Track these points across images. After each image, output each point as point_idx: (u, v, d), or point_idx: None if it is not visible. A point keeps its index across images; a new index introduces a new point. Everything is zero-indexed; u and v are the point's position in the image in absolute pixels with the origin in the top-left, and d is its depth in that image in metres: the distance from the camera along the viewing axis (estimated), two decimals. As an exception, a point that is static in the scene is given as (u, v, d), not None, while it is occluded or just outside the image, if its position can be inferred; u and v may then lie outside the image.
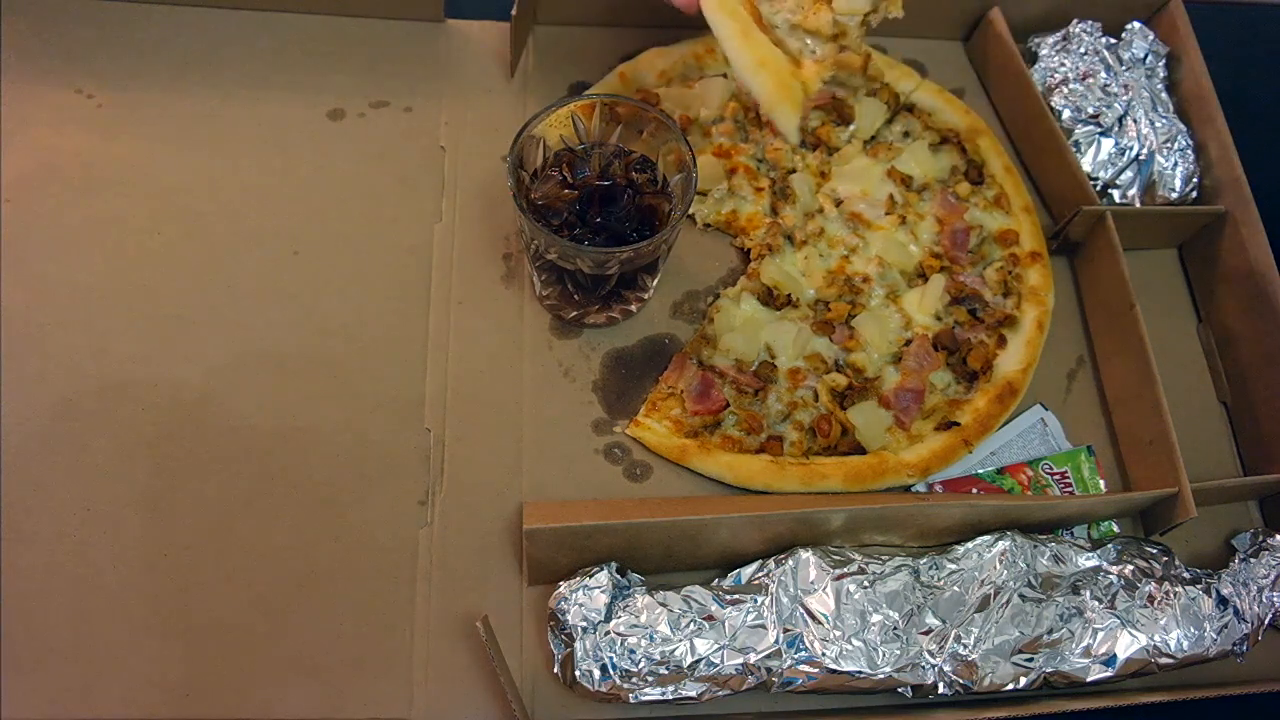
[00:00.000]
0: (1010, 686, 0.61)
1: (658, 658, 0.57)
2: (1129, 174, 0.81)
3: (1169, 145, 0.80)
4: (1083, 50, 0.84)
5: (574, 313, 0.71)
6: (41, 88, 0.75)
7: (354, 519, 0.65)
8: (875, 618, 0.60)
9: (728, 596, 0.60)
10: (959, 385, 0.73)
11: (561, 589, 0.60)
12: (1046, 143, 0.81)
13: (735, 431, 0.69)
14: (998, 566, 0.62)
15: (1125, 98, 0.82)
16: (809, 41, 0.65)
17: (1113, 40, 0.85)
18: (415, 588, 0.63)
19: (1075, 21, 0.86)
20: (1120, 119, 0.81)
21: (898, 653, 0.59)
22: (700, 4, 0.62)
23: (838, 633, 0.59)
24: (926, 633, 0.60)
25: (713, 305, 0.74)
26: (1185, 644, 0.62)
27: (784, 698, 0.61)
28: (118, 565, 0.61)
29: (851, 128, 0.81)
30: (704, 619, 0.58)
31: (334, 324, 0.70)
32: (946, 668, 0.60)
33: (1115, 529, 0.71)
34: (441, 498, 0.66)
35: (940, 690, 0.60)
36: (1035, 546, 0.64)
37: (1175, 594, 0.63)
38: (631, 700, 0.58)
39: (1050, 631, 0.61)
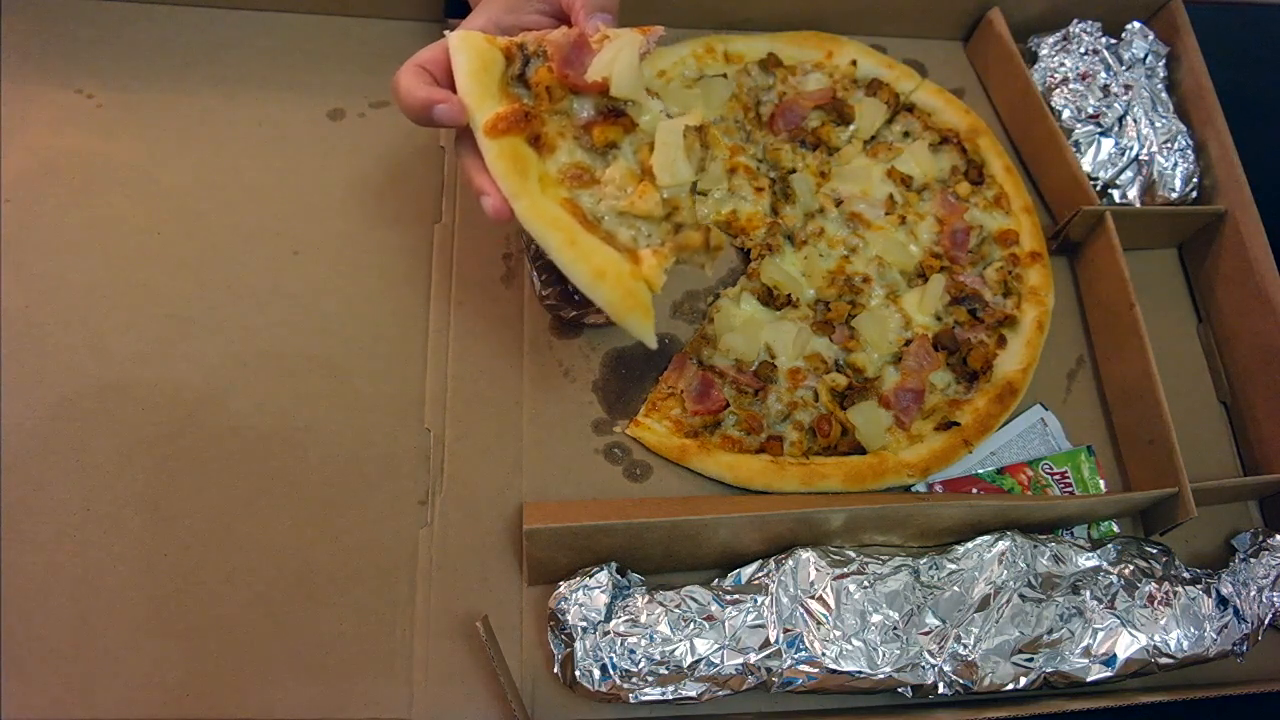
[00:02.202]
0: (1010, 686, 0.61)
1: (658, 658, 0.57)
2: (1129, 174, 0.81)
3: (1169, 145, 0.80)
4: (1083, 50, 0.84)
5: (574, 313, 0.71)
6: (41, 88, 0.75)
7: (354, 519, 0.65)
8: (875, 618, 0.60)
9: (728, 596, 0.60)
10: (959, 385, 0.73)
11: (561, 589, 0.60)
12: (1046, 143, 0.81)
13: (735, 431, 0.69)
14: (998, 566, 0.62)
15: (1125, 98, 0.82)
16: (641, 227, 0.57)
17: (1113, 40, 0.86)
18: (415, 588, 0.63)
19: (1075, 21, 0.86)
20: (1120, 119, 0.81)
21: (898, 653, 0.59)
22: (518, 216, 0.55)
23: (838, 633, 0.59)
24: (926, 633, 0.60)
25: (713, 305, 0.74)
26: (1185, 644, 0.62)
27: (784, 698, 0.61)
28: (118, 565, 0.61)
29: (851, 128, 0.81)
30: (704, 619, 0.58)
31: (334, 324, 0.70)
32: (946, 668, 0.60)
33: (1115, 529, 0.71)
34: (441, 498, 0.66)
35: (940, 690, 0.60)
36: (1035, 546, 0.64)
37: (1175, 594, 0.63)
38: (631, 700, 0.58)
39: (1050, 631, 0.61)
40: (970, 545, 0.63)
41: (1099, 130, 0.81)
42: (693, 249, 0.58)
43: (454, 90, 0.55)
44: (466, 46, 0.55)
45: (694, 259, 0.59)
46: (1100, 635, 0.62)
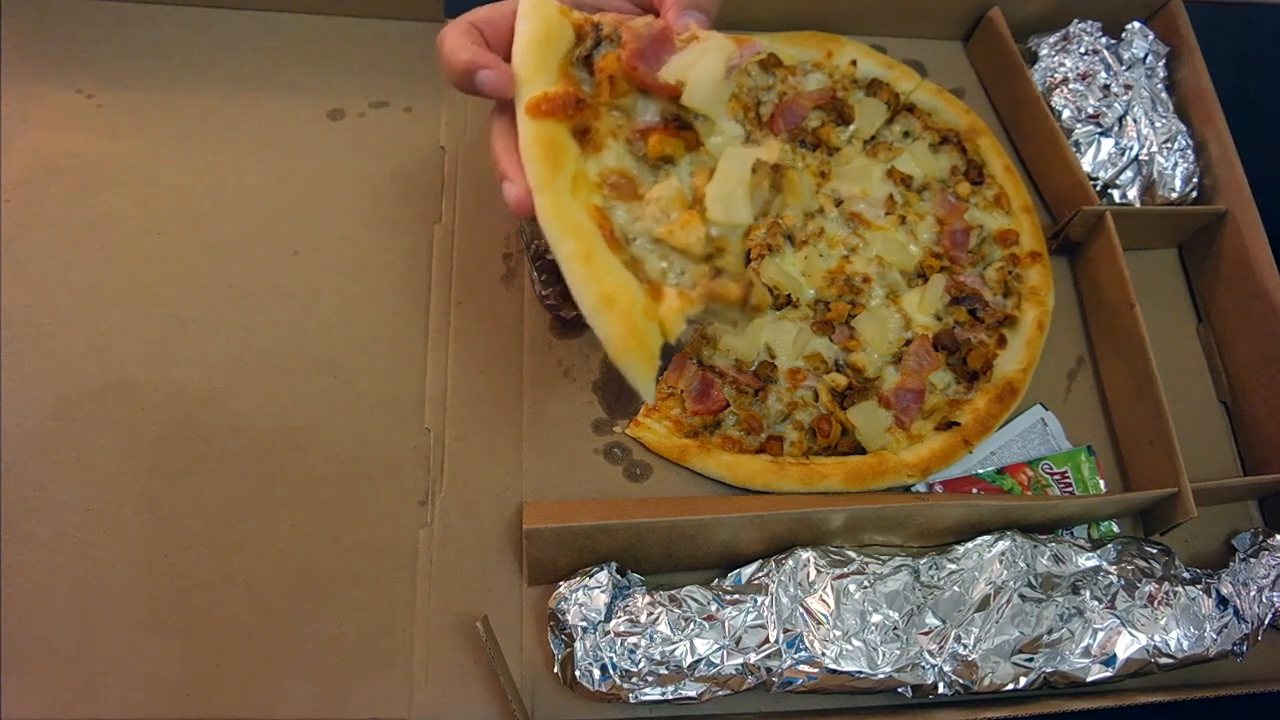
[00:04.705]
0: (1010, 686, 0.61)
1: (658, 658, 0.57)
2: (1129, 174, 0.81)
3: (1169, 145, 0.80)
4: (1083, 50, 0.84)
5: (574, 313, 0.70)
6: (41, 88, 0.75)
7: (354, 519, 0.65)
8: (875, 618, 0.60)
9: (728, 596, 0.60)
10: (959, 385, 0.73)
11: (561, 589, 0.60)
12: (1046, 143, 0.81)
13: (735, 431, 0.69)
14: (998, 566, 0.62)
15: (1125, 98, 0.82)
16: (675, 262, 0.49)
17: (1113, 40, 0.85)
18: (415, 588, 0.63)
19: (1075, 21, 0.86)
20: (1120, 119, 0.81)
21: (898, 653, 0.59)
22: (537, 212, 0.48)
23: (838, 633, 0.59)
24: (926, 633, 0.60)
25: (713, 305, 0.74)
26: (1185, 644, 0.62)
27: (784, 698, 0.61)
28: (118, 565, 0.61)
29: (851, 128, 0.81)
30: (704, 619, 0.58)
31: (334, 324, 0.70)
32: (946, 668, 0.60)
33: (1115, 529, 0.71)
34: (441, 498, 0.66)
35: (940, 690, 0.60)
36: (1035, 546, 0.64)
37: (1175, 594, 0.63)
38: (631, 700, 0.58)
39: (1050, 631, 0.61)
40: (970, 545, 0.63)
41: (1099, 130, 0.81)
42: (726, 301, 0.49)
43: (507, 57, 0.49)
44: (536, 11, 0.49)
45: (725, 314, 0.50)
46: (1100, 635, 0.62)
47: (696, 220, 0.48)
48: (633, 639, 0.57)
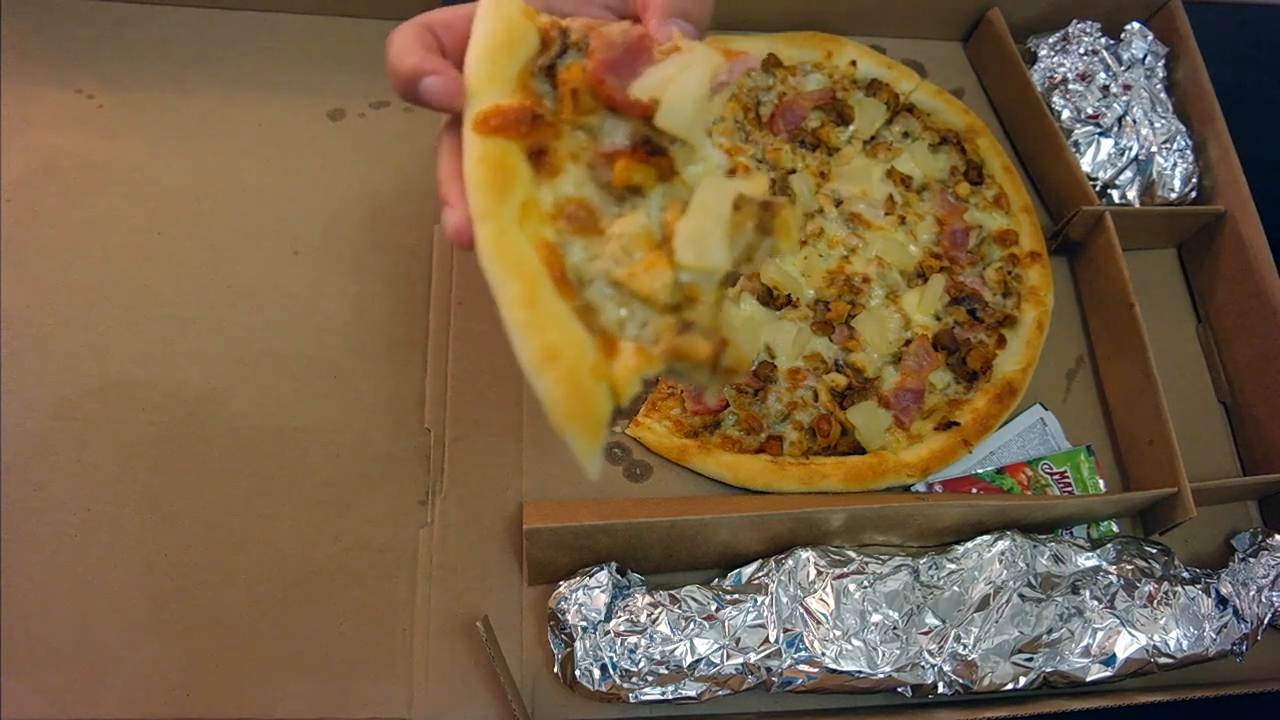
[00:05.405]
0: (1010, 686, 0.61)
1: (658, 658, 0.57)
2: (1129, 174, 0.81)
3: (1169, 145, 0.80)
4: (1082, 50, 0.84)
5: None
6: (41, 88, 0.75)
7: (354, 519, 0.65)
8: (875, 618, 0.60)
9: (728, 596, 0.60)
10: (959, 385, 0.73)
11: (561, 589, 0.60)
12: (1046, 143, 0.81)
13: (735, 431, 0.69)
14: (997, 566, 0.62)
15: (1125, 98, 0.82)
16: (637, 311, 0.41)
17: (1112, 40, 0.86)
18: (415, 588, 0.63)
19: (1075, 22, 0.86)
20: (1120, 119, 0.81)
21: (897, 653, 0.59)
22: (476, 244, 0.41)
23: (838, 633, 0.59)
24: (926, 633, 0.60)
25: (713, 305, 0.74)
26: (1185, 644, 0.62)
27: (784, 698, 0.61)
28: (118, 565, 0.61)
29: (851, 128, 0.81)
30: (704, 619, 0.58)
31: (334, 324, 0.70)
32: (946, 667, 0.60)
33: (1115, 529, 0.71)
34: (441, 498, 0.66)
35: (940, 690, 0.60)
36: (1035, 546, 0.64)
37: (1175, 594, 0.63)
38: (631, 700, 0.58)
39: (1050, 631, 0.61)
40: (970, 545, 0.63)
41: (1098, 130, 0.81)
42: (693, 361, 0.41)
43: (461, 64, 0.43)
44: (497, 11, 0.42)
45: (691, 375, 0.42)
46: (1100, 635, 0.62)
47: (663, 263, 0.41)
48: (633, 639, 0.57)
